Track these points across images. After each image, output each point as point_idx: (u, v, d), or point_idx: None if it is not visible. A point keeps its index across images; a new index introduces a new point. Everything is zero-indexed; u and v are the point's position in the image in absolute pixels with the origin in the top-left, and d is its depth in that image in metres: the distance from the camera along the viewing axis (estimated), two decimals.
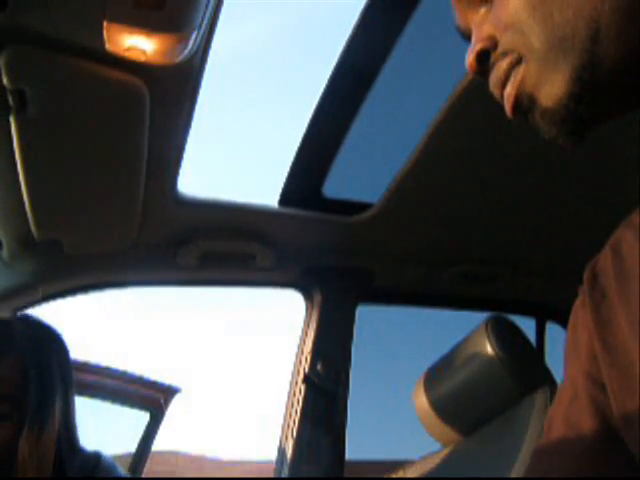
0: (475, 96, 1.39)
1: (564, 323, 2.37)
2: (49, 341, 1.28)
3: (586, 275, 0.65)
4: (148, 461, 2.71)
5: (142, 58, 1.20)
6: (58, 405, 1.22)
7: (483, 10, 0.59)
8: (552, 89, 0.54)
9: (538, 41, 0.54)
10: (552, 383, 1.47)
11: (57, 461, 1.20)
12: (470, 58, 0.59)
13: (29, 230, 1.64)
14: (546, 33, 0.53)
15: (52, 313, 1.83)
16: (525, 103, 0.56)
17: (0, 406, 1.17)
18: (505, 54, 0.57)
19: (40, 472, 1.16)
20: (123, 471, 1.34)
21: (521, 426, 1.42)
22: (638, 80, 0.53)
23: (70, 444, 1.26)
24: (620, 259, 0.61)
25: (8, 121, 1.31)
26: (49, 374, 1.22)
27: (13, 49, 1.17)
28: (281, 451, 2.02)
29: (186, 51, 1.20)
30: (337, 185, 1.89)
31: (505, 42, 0.56)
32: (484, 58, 0.58)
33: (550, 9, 0.53)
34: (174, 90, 1.34)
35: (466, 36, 0.62)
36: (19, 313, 1.48)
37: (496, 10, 0.57)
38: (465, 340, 1.60)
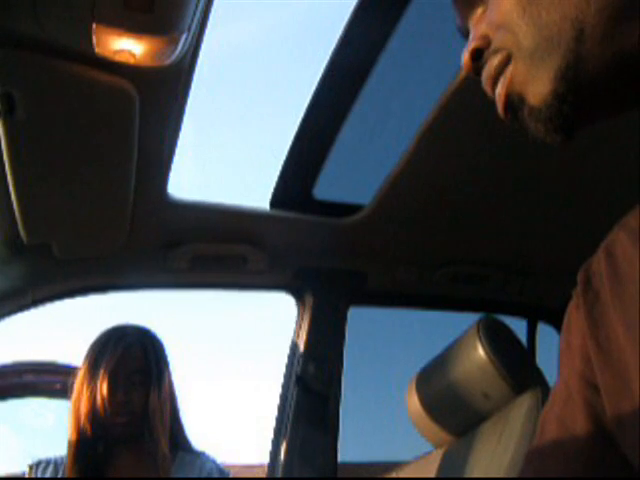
0: (466, 97, 1.40)
1: (555, 324, 2.38)
2: (155, 339, 1.79)
3: (580, 277, 0.65)
4: None
5: (131, 61, 1.20)
6: (167, 377, 1.75)
7: (480, 10, 0.61)
8: (538, 87, 0.55)
9: (526, 40, 0.55)
10: (543, 384, 1.47)
11: (172, 414, 1.75)
12: (465, 57, 0.60)
13: (18, 234, 1.63)
14: (533, 33, 0.54)
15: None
16: (515, 102, 0.57)
17: (138, 376, 1.69)
18: (496, 52, 0.58)
19: (163, 417, 1.70)
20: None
21: (513, 427, 1.42)
22: (626, 82, 0.53)
23: (176, 406, 1.78)
24: (614, 261, 0.61)
25: None
26: (161, 358, 1.75)
27: (0, 52, 1.17)
28: (274, 453, 2.02)
29: (176, 53, 1.19)
30: (328, 187, 1.88)
31: (497, 41, 0.58)
32: (478, 57, 0.59)
33: (538, 10, 0.54)
34: (164, 93, 1.33)
35: (466, 36, 0.63)
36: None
37: (490, 11, 0.59)
38: (457, 341, 1.60)
